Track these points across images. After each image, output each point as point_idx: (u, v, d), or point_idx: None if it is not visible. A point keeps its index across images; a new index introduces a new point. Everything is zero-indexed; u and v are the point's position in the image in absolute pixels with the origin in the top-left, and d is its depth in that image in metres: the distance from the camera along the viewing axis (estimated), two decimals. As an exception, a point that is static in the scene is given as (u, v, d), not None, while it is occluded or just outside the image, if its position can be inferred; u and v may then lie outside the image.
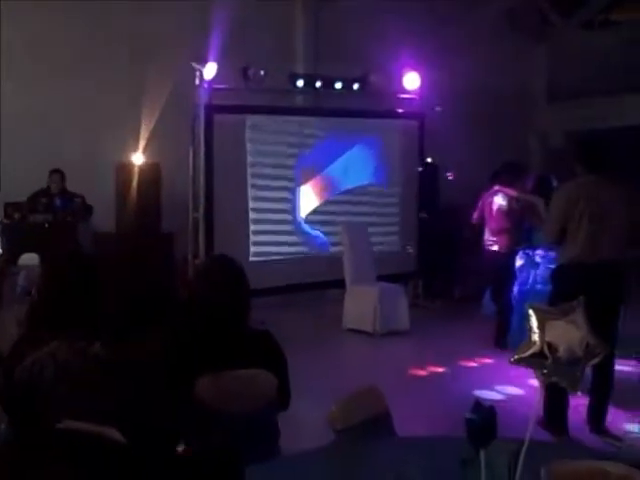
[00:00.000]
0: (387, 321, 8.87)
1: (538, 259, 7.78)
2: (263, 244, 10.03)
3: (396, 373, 7.15)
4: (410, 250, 10.51)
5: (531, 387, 6.37)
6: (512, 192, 7.96)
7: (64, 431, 1.97)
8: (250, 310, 3.39)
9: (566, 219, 5.27)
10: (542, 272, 7.61)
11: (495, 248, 8.02)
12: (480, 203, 8.26)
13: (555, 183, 7.92)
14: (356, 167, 10.75)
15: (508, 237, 7.97)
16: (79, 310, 3.04)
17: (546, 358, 1.89)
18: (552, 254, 7.36)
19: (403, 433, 3.14)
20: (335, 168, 10.57)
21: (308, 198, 10.39)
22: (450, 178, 11.28)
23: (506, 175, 8.13)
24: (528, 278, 7.81)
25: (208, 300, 3.29)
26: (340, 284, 9.36)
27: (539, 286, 7.63)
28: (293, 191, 10.27)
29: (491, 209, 8.09)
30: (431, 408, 6.17)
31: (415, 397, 6.41)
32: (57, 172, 9.13)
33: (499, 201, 8.03)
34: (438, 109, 10.80)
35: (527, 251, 7.88)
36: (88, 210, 9.23)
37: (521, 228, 7.95)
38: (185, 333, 3.29)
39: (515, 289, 7.89)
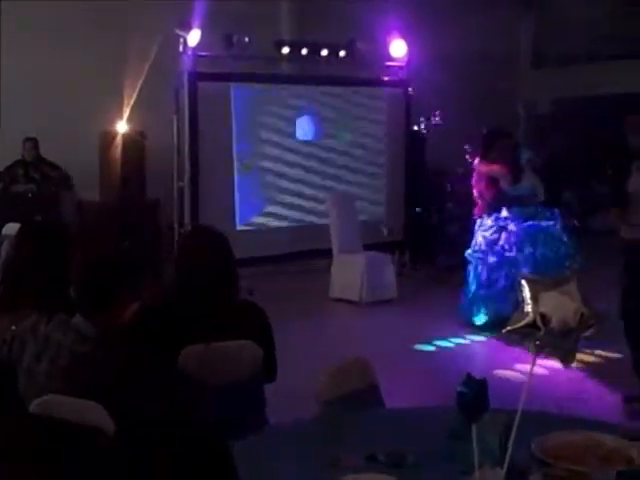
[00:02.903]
0: (374, 290, 8.84)
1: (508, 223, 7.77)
2: (250, 213, 9.96)
3: (384, 343, 7.12)
4: (385, 230, 10.45)
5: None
6: (476, 162, 8.00)
7: (45, 419, 1.92)
8: (237, 281, 3.34)
9: None
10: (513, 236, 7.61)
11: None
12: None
13: (527, 154, 7.98)
14: (342, 135, 10.66)
15: (479, 204, 8.03)
16: (50, 282, 2.99)
17: (539, 329, 1.85)
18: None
19: (392, 405, 3.10)
20: (320, 136, 10.48)
21: (294, 166, 10.31)
22: (437, 119, 11.09)
23: (484, 143, 8.14)
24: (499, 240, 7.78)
25: (191, 271, 3.24)
26: (328, 254, 9.32)
27: (509, 253, 7.62)
28: (279, 159, 10.18)
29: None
30: (419, 379, 6.15)
31: (404, 368, 6.38)
32: (30, 140, 9.01)
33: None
34: (438, 120, 10.76)
35: (496, 215, 7.84)
36: (67, 180, 9.13)
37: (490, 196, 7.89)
38: (168, 304, 3.24)
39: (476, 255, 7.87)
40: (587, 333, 1.73)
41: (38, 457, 1.00)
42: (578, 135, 12.66)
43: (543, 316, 1.60)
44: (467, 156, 8.20)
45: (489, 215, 7.83)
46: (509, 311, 7.07)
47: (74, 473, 0.98)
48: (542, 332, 1.60)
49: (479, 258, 7.76)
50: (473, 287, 7.76)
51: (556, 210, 7.90)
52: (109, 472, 1.01)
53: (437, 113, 11.02)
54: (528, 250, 7.46)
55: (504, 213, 7.73)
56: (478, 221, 7.95)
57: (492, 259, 7.66)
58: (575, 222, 10.13)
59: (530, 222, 7.62)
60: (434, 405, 3.02)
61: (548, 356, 2.12)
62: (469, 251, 7.89)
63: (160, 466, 1.96)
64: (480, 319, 7.62)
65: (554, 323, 1.61)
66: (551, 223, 7.67)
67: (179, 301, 3.23)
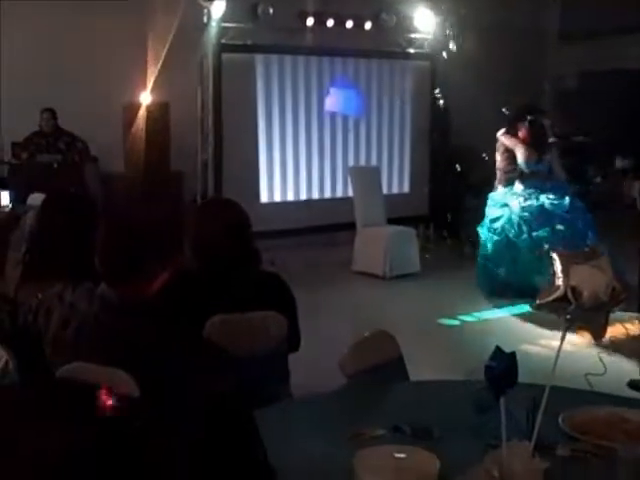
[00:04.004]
0: (397, 264, 8.81)
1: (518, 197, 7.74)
2: (274, 186, 9.95)
3: (407, 317, 7.11)
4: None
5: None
6: (499, 134, 7.98)
7: (70, 382, 1.92)
8: (257, 252, 3.33)
9: None
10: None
11: None
12: None
13: (549, 125, 7.94)
14: (366, 108, 10.59)
15: (497, 177, 8.05)
16: (75, 251, 2.99)
17: (570, 303, 1.82)
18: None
19: (416, 378, 3.09)
20: (345, 109, 10.42)
21: (319, 139, 10.26)
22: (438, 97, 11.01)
23: (512, 117, 8.18)
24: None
25: (209, 243, 3.23)
26: (352, 227, 9.29)
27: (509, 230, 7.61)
28: (304, 131, 10.14)
29: None
30: (443, 354, 6.13)
31: (428, 342, 6.37)
32: (48, 111, 9.00)
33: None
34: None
35: (506, 190, 7.84)
36: (87, 152, 9.14)
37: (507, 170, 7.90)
38: (191, 275, 3.24)
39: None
40: (618, 307, 1.72)
41: (65, 420, 0.99)
42: (605, 109, 12.48)
43: (574, 289, 1.58)
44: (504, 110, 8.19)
45: (504, 188, 7.84)
46: (513, 284, 7.37)
47: (101, 435, 0.97)
48: (573, 306, 1.59)
49: (486, 233, 7.81)
50: (481, 261, 7.87)
51: (569, 187, 7.87)
52: (134, 437, 1.00)
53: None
54: (526, 228, 7.48)
55: (516, 188, 7.71)
56: (490, 195, 7.97)
57: (495, 236, 7.69)
58: (593, 197, 10.04)
59: (535, 199, 7.58)
60: (457, 379, 3.00)
61: (578, 330, 2.11)
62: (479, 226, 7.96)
63: (185, 434, 1.95)
64: (486, 289, 7.76)
65: (585, 297, 1.60)
66: (558, 201, 7.58)
67: (200, 273, 3.23)
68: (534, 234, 7.45)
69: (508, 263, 7.61)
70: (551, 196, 7.58)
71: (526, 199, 7.61)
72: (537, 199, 7.58)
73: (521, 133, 7.77)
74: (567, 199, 7.58)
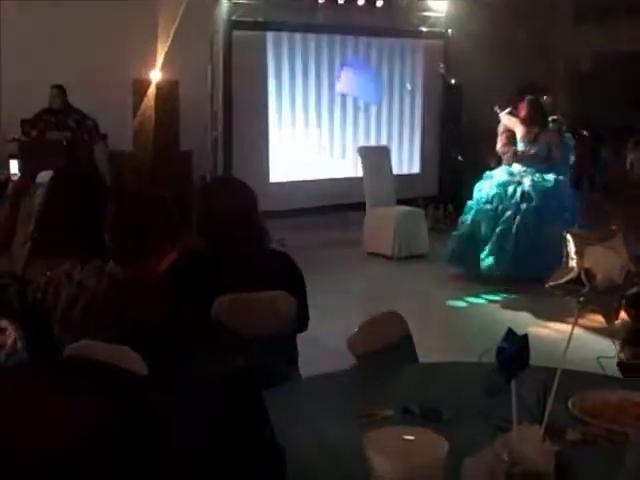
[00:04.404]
0: (406, 245, 8.79)
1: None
2: (284, 165, 9.91)
3: (416, 298, 7.09)
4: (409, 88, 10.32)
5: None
6: (502, 114, 8.03)
7: (78, 360, 1.91)
8: (265, 230, 3.29)
9: None
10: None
11: None
12: None
13: (549, 104, 8.06)
14: (378, 87, 10.53)
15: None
16: (84, 229, 2.98)
17: (583, 285, 1.79)
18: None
19: (424, 360, 3.08)
20: (357, 87, 10.36)
21: (329, 118, 10.21)
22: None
23: (515, 97, 8.29)
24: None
25: (214, 223, 3.19)
26: (362, 207, 9.27)
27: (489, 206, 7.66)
28: (314, 110, 10.09)
29: None
30: (450, 335, 6.13)
31: (435, 323, 6.36)
32: (57, 87, 8.93)
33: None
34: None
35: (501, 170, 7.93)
36: (97, 130, 9.11)
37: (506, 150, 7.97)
38: (199, 254, 3.21)
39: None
40: (633, 290, 1.70)
41: (73, 397, 0.98)
42: (619, 90, 12.38)
43: (588, 271, 1.55)
44: (496, 108, 8.22)
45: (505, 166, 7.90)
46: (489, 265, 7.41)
47: (109, 413, 0.96)
48: (586, 288, 1.56)
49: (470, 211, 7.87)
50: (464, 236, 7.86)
51: (568, 169, 7.85)
52: (142, 414, 0.99)
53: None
54: (496, 204, 7.56)
55: (513, 167, 7.76)
56: (486, 173, 8.05)
57: (477, 215, 7.74)
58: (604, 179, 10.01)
59: (520, 178, 7.61)
60: (468, 361, 2.98)
61: (591, 313, 2.09)
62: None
63: (193, 414, 1.94)
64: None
65: (599, 279, 1.56)
66: (550, 184, 7.59)
67: (207, 252, 3.20)
68: (500, 209, 7.54)
69: (483, 239, 7.64)
70: (537, 177, 7.61)
71: (510, 178, 7.67)
72: (523, 178, 7.62)
73: (520, 112, 7.83)
74: (551, 181, 7.59)
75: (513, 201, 7.54)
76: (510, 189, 7.62)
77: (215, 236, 3.19)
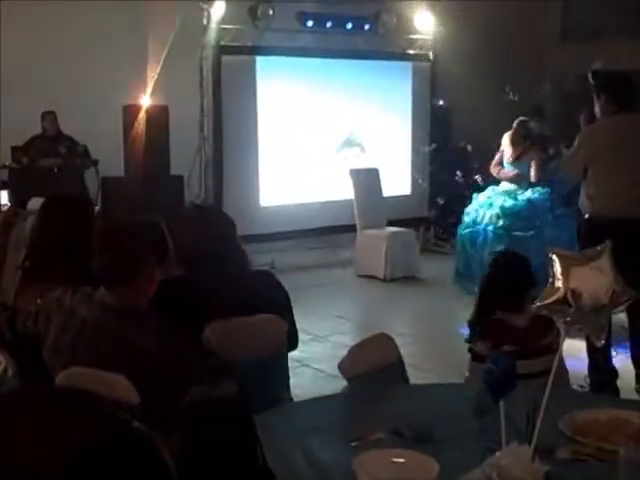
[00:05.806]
0: (398, 266, 8.81)
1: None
2: (274, 189, 9.93)
3: (407, 320, 7.10)
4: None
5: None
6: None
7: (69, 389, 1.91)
8: (244, 253, 3.30)
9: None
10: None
11: None
12: None
13: (535, 127, 8.40)
14: (366, 109, 10.58)
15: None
16: (75, 255, 2.98)
17: (569, 305, 1.81)
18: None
19: (416, 381, 3.08)
20: (345, 110, 10.40)
21: (318, 141, 10.25)
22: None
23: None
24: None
25: (191, 250, 3.20)
26: (352, 229, 9.29)
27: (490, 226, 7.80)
28: (304, 134, 10.12)
29: None
30: (442, 356, 6.11)
31: (427, 345, 6.34)
32: (50, 113, 8.94)
33: None
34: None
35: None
36: (90, 155, 9.12)
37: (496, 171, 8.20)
38: (184, 279, 3.21)
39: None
40: (619, 310, 1.70)
41: (62, 427, 0.98)
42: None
43: (574, 292, 1.56)
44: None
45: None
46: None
47: (99, 444, 0.97)
48: (573, 308, 1.56)
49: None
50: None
51: (548, 190, 7.95)
52: (132, 443, 1.00)
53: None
54: (478, 221, 7.79)
55: (500, 186, 7.97)
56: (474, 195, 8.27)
57: (462, 239, 8.00)
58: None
59: (502, 198, 7.79)
60: (458, 382, 2.99)
61: (578, 333, 2.08)
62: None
63: (184, 440, 1.95)
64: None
65: (585, 299, 1.57)
66: (513, 202, 7.75)
67: (192, 276, 3.20)
68: (479, 228, 7.77)
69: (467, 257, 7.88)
70: (510, 197, 7.79)
71: (487, 200, 7.91)
72: (496, 200, 7.83)
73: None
74: (523, 201, 7.75)
75: (482, 226, 7.77)
76: (481, 212, 7.87)
77: (197, 262, 3.19)
